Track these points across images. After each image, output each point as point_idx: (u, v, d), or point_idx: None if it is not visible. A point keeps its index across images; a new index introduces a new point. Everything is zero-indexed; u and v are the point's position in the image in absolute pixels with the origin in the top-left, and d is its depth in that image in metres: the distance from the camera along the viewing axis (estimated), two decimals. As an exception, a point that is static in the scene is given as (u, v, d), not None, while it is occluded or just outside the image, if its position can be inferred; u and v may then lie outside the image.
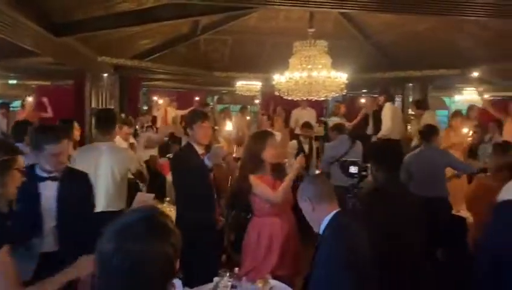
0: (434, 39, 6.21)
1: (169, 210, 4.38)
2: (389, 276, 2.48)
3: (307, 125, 7.12)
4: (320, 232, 2.25)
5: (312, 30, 5.72)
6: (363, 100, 10.54)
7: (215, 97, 15.45)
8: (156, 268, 1.17)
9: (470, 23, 5.17)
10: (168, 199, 4.84)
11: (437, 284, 3.66)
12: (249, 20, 6.36)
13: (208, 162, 3.38)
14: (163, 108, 10.07)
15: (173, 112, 9.91)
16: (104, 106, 7.61)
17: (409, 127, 8.90)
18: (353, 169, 3.04)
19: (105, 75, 7.70)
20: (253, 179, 3.14)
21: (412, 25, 5.92)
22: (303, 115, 8.58)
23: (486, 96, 9.52)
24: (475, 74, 6.41)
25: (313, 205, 2.34)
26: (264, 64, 7.97)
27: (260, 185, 3.12)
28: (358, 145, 5.61)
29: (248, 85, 10.29)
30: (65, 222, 2.55)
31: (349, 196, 2.91)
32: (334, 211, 2.29)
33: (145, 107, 11.62)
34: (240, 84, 10.30)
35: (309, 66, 5.52)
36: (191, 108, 9.85)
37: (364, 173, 3.02)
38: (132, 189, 4.18)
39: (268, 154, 3.15)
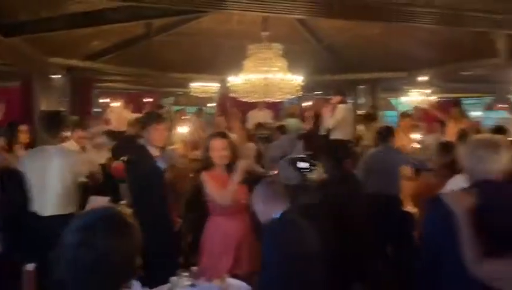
0: (382, 43, 6.50)
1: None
2: (337, 271, 2.60)
3: (260, 126, 7.23)
4: None
5: (266, 33, 5.84)
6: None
7: (171, 99, 15.31)
8: (119, 262, 1.22)
9: (416, 28, 5.46)
10: (123, 201, 4.79)
11: (386, 280, 3.83)
12: (202, 23, 6.40)
13: (161, 165, 3.40)
14: (117, 110, 9.84)
15: (128, 115, 9.72)
16: (54, 108, 7.37)
17: (360, 127, 9.27)
18: (302, 164, 3.16)
19: (56, 76, 7.46)
20: (204, 175, 3.19)
21: (361, 30, 6.17)
22: (259, 117, 8.68)
23: (432, 98, 10.10)
24: (421, 78, 6.76)
25: (264, 206, 2.45)
26: (219, 66, 8.02)
27: (209, 183, 3.17)
28: (299, 145, 5.76)
29: (204, 87, 10.29)
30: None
31: (298, 192, 3.02)
32: (281, 211, 2.40)
33: (97, 110, 11.32)
34: (195, 85, 10.27)
35: (265, 68, 5.64)
36: (147, 110, 9.76)
37: (313, 168, 3.15)
38: (87, 192, 4.10)
39: (213, 155, 3.21)
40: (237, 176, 3.05)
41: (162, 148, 3.57)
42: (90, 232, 1.22)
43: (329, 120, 7.40)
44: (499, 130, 4.96)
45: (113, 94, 11.30)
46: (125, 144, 6.86)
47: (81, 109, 8.50)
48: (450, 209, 1.88)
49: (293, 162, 3.27)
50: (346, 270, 2.94)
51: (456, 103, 5.72)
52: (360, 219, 3.06)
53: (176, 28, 6.52)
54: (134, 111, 9.88)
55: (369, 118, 7.50)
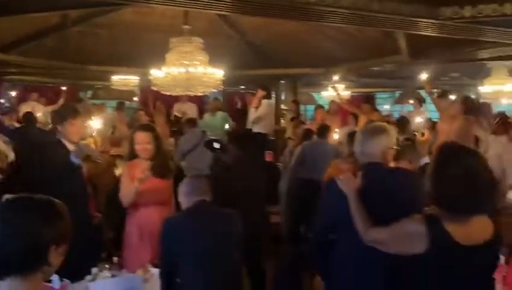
0: (299, 40, 6.82)
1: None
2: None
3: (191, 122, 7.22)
4: None
5: (187, 27, 5.88)
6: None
7: (89, 92, 14.67)
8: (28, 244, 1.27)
9: (330, 27, 5.81)
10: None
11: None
12: (123, 15, 6.27)
13: (75, 160, 3.34)
14: (29, 104, 9.31)
15: (40, 109, 9.23)
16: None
17: (282, 120, 9.64)
18: (216, 145, 3.60)
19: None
20: (124, 168, 3.23)
21: (279, 26, 6.42)
22: (185, 109, 8.68)
23: (347, 93, 10.74)
24: (334, 76, 7.21)
25: (186, 200, 2.62)
26: (141, 58, 7.87)
27: (123, 177, 3.22)
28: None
29: (125, 80, 10.03)
30: None
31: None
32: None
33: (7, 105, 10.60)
34: (116, 78, 9.98)
35: (186, 62, 5.67)
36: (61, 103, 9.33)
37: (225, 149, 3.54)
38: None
39: (137, 148, 3.24)
40: (142, 176, 3.06)
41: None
42: (10, 209, 1.30)
43: (253, 114, 7.68)
44: (400, 120, 5.50)
45: (25, 88, 10.67)
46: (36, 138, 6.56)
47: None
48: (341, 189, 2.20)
49: (210, 142, 3.52)
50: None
51: (367, 97, 6.18)
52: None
53: (94, 18, 6.30)
54: (50, 104, 9.43)
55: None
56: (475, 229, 1.81)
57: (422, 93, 12.09)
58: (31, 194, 1.37)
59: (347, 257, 2.28)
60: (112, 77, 9.94)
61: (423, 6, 3.54)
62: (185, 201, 2.69)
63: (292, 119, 8.18)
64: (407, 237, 1.88)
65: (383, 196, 2.21)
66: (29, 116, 7.35)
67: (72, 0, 4.86)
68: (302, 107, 14.85)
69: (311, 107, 16.13)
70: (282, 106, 10.44)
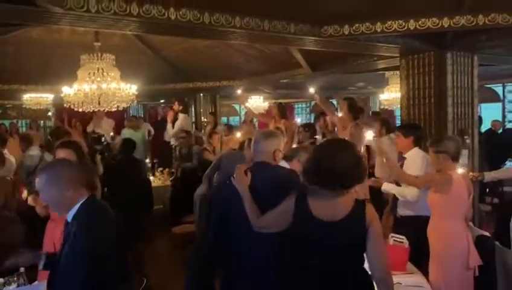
0: (212, 55, 7.14)
1: None
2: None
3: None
4: None
5: (98, 44, 5.97)
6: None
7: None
8: None
9: (238, 43, 6.18)
10: None
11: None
12: (31, 32, 6.18)
13: None
14: None
15: None
16: None
17: (202, 132, 9.88)
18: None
19: None
20: None
21: (191, 43, 6.71)
22: (102, 126, 8.62)
23: (264, 104, 11.26)
24: (238, 89, 7.63)
25: None
26: (52, 76, 7.76)
27: None
28: None
29: (37, 98, 9.73)
30: None
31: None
32: None
33: None
34: (27, 96, 9.65)
35: (98, 79, 5.76)
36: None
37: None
38: None
39: None
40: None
41: None
42: None
43: (171, 129, 7.93)
44: (305, 126, 6.01)
45: None
46: None
47: None
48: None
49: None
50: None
51: (279, 106, 6.59)
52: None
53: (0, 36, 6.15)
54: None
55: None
56: (333, 206, 2.15)
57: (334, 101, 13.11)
58: None
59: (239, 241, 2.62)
60: (24, 96, 9.61)
61: (308, 25, 4.02)
62: None
63: (212, 130, 8.50)
64: (281, 214, 2.25)
65: (268, 188, 2.58)
66: None
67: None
68: (224, 119, 15.32)
69: (233, 118, 16.67)
70: (203, 118, 10.71)
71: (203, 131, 9.83)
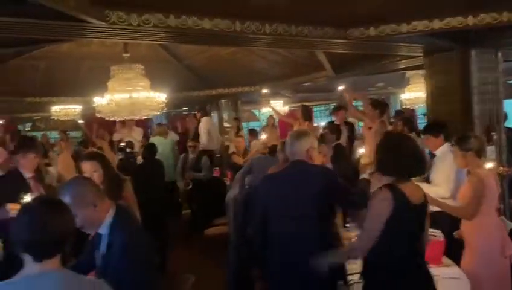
0: (235, 61, 7.32)
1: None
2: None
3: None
4: None
5: (127, 55, 6.18)
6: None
7: (28, 124, 14.37)
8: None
9: (260, 49, 6.34)
10: None
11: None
12: (61, 46, 6.43)
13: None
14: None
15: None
16: None
17: (226, 136, 10.07)
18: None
19: None
20: None
21: (215, 50, 6.89)
22: (129, 135, 8.87)
23: (284, 108, 11.41)
24: (263, 92, 7.78)
25: None
26: (81, 87, 8.03)
27: None
28: None
29: (66, 109, 10.05)
30: None
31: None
32: None
33: None
34: (56, 108, 9.98)
35: (129, 88, 5.96)
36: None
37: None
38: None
39: None
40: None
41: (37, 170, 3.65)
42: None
43: (201, 137, 8.14)
44: (331, 128, 6.10)
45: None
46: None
47: None
48: None
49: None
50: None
51: (302, 108, 6.68)
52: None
53: (32, 52, 6.42)
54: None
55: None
56: (417, 189, 2.39)
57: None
58: None
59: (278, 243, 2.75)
60: (52, 108, 9.94)
61: (333, 28, 4.14)
62: None
63: (236, 135, 8.70)
64: (377, 217, 2.31)
65: (305, 184, 2.70)
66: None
67: (8, 40, 4.96)
68: (244, 124, 15.50)
69: (253, 123, 16.82)
70: (226, 124, 10.90)
71: (225, 136, 10.03)
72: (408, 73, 8.99)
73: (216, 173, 7.37)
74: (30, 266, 1.63)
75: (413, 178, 2.45)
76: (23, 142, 3.78)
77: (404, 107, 10.53)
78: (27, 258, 1.64)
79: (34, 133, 11.90)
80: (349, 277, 2.98)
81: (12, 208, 3.20)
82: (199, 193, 7.20)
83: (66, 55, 7.00)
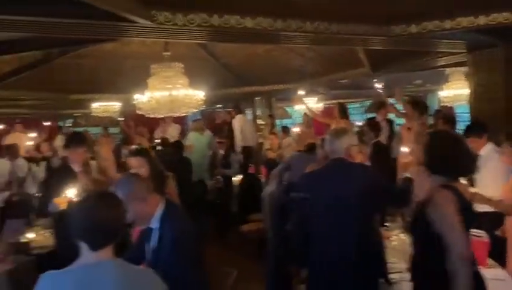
0: (271, 59, 7.36)
1: (41, 233, 4.53)
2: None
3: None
4: None
5: (168, 53, 6.33)
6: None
7: (69, 121, 14.92)
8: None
9: (297, 46, 6.35)
10: (38, 223, 4.91)
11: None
12: (106, 45, 6.65)
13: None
14: (15, 136, 9.51)
15: (26, 139, 9.47)
16: None
17: (259, 134, 10.14)
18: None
19: None
20: None
21: (252, 48, 6.95)
22: (169, 131, 9.08)
23: (317, 105, 11.36)
24: (300, 90, 7.78)
25: None
26: (122, 85, 8.27)
27: None
28: None
29: (105, 106, 10.35)
30: None
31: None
32: None
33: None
34: (96, 105, 10.30)
35: (169, 86, 6.11)
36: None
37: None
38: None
39: None
40: None
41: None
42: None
43: (236, 135, 8.29)
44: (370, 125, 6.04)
45: (9, 120, 10.88)
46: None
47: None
48: None
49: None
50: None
51: (339, 105, 6.64)
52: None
53: (77, 51, 6.68)
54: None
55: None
56: (464, 191, 2.35)
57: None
58: None
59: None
60: (92, 104, 10.28)
61: (375, 25, 4.11)
62: None
63: (270, 132, 8.76)
64: (450, 211, 2.18)
65: (345, 182, 2.72)
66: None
67: (55, 40, 5.18)
68: (277, 121, 15.52)
69: (286, 121, 16.82)
70: (259, 121, 10.97)
71: (259, 133, 10.10)
72: (448, 70, 8.78)
73: (251, 169, 7.45)
74: (86, 255, 1.73)
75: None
76: (73, 137, 3.95)
77: (442, 105, 10.28)
78: (84, 248, 1.73)
79: (76, 129, 12.35)
80: (391, 275, 2.98)
81: (59, 202, 3.37)
82: (233, 190, 7.30)
83: (109, 54, 7.22)
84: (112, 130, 12.32)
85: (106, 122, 11.14)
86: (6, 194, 5.97)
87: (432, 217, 2.18)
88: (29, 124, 10.99)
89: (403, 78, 9.72)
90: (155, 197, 2.37)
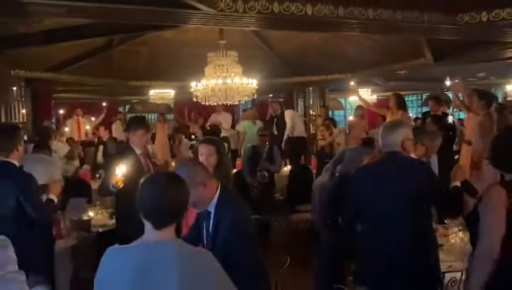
0: (326, 48, 7.21)
1: (101, 213, 4.75)
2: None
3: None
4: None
5: (223, 42, 6.38)
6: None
7: (127, 106, 15.49)
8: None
9: (353, 34, 6.17)
10: (98, 202, 5.14)
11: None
12: (164, 33, 6.81)
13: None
14: (75, 120, 9.99)
15: (87, 123, 9.93)
16: (13, 120, 7.48)
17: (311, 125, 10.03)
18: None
19: (14, 88, 7.57)
20: None
21: (307, 37, 6.84)
22: (220, 120, 9.19)
23: (372, 97, 11.05)
24: (352, 81, 7.57)
25: None
26: (178, 73, 8.44)
27: None
28: None
29: (162, 93, 10.65)
30: None
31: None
32: None
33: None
34: (153, 92, 10.60)
35: (223, 74, 6.17)
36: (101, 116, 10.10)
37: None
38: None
39: (200, 159, 3.66)
40: None
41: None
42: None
43: (287, 125, 8.30)
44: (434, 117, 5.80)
45: (70, 105, 11.45)
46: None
47: (40, 120, 8.63)
48: None
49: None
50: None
51: (395, 96, 6.39)
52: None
53: (137, 38, 6.87)
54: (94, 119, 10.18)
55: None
56: None
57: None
58: None
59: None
60: (150, 91, 10.59)
61: (442, 13, 3.90)
62: None
63: (323, 122, 8.61)
64: (500, 216, 2.06)
65: (399, 177, 2.64)
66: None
67: (116, 26, 5.33)
68: (329, 112, 15.29)
69: (338, 112, 16.53)
70: (311, 112, 10.83)
71: (311, 125, 9.99)
72: (516, 62, 8.24)
73: (302, 160, 7.37)
74: (149, 233, 1.77)
75: None
76: (135, 120, 4.08)
77: (509, 99, 9.70)
78: (147, 226, 1.78)
79: (132, 115, 12.80)
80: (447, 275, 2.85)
81: (116, 180, 3.47)
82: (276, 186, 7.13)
83: (167, 42, 7.39)
84: (168, 116, 12.71)
85: (162, 108, 11.43)
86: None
87: (479, 212, 2.10)
88: (89, 108, 11.49)
89: (464, 69, 9.24)
90: (213, 182, 2.42)
